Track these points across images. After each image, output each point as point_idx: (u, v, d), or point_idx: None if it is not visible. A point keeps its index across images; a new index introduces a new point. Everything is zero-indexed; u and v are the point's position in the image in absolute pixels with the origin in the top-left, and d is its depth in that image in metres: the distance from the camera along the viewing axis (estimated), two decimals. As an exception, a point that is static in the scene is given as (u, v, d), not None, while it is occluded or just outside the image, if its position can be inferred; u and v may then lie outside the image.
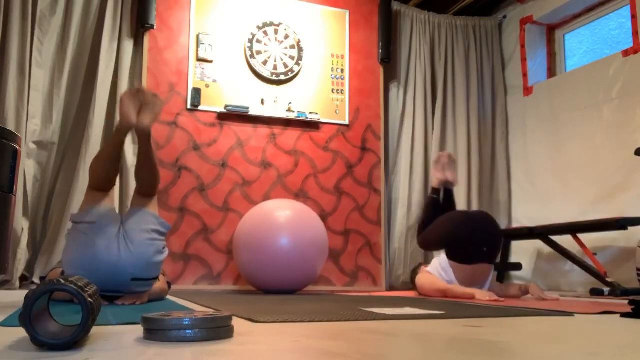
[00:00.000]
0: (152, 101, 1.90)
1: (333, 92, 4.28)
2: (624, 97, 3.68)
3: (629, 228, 3.14)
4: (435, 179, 3.30)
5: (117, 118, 3.69)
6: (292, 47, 4.19)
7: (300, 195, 4.08)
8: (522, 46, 4.62)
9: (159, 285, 2.18)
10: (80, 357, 0.85)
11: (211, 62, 3.96)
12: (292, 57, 4.18)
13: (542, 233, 3.63)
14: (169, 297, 2.52)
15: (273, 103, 4.09)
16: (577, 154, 4.00)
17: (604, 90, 3.83)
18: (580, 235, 3.43)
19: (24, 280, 3.38)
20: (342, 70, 4.34)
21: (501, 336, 1.18)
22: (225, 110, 3.93)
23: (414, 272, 3.30)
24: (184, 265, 3.75)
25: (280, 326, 1.33)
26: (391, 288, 4.23)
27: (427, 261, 4.07)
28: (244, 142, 4.01)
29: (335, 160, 4.23)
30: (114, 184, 2.07)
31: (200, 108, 3.90)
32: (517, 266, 4.12)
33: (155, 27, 3.83)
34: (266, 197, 3.98)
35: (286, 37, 4.19)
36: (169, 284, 2.41)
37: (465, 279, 2.89)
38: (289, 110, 4.10)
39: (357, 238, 4.21)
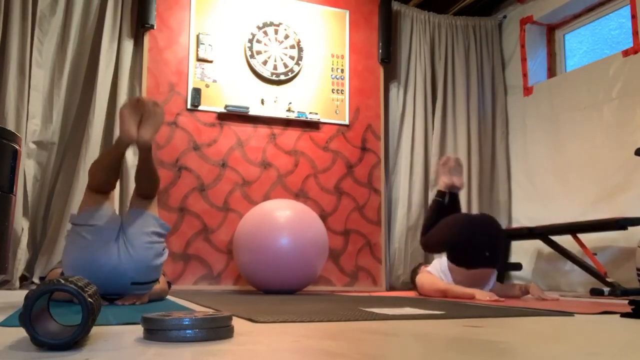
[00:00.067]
0: (153, 111, 1.84)
1: (333, 92, 4.28)
2: (624, 97, 3.68)
3: (629, 228, 3.14)
4: (441, 182, 3.26)
5: (117, 126, 3.70)
6: (292, 47, 4.20)
7: (300, 195, 4.09)
8: (522, 46, 4.62)
9: (159, 285, 2.18)
10: (80, 357, 0.85)
11: (211, 62, 3.97)
12: (292, 57, 4.18)
13: (542, 233, 3.63)
14: (169, 297, 2.52)
15: (273, 103, 4.09)
16: (577, 154, 4.00)
17: (604, 90, 3.83)
18: (580, 235, 3.43)
19: (24, 280, 3.38)
20: (342, 70, 4.34)
21: (501, 336, 1.18)
22: (225, 110, 3.93)
23: (414, 272, 3.30)
24: (184, 265, 3.75)
25: (280, 326, 1.33)
26: (391, 288, 4.23)
27: (427, 261, 4.07)
28: (244, 142, 4.01)
29: (335, 160, 4.23)
30: (114, 187, 2.05)
31: (200, 108, 3.90)
32: (517, 266, 4.12)
33: (155, 27, 3.83)
34: (266, 197, 3.98)
35: (286, 37, 4.19)
36: (169, 284, 2.41)
37: (465, 283, 2.87)
38: (289, 110, 4.10)
39: (357, 238, 4.21)
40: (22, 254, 3.32)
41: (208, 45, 3.96)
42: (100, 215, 1.93)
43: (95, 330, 1.18)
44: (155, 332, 1.04)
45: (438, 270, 3.01)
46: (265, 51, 4.11)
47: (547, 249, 3.89)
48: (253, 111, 4.00)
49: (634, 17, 3.70)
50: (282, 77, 4.13)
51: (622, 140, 3.64)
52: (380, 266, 4.23)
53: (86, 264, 1.87)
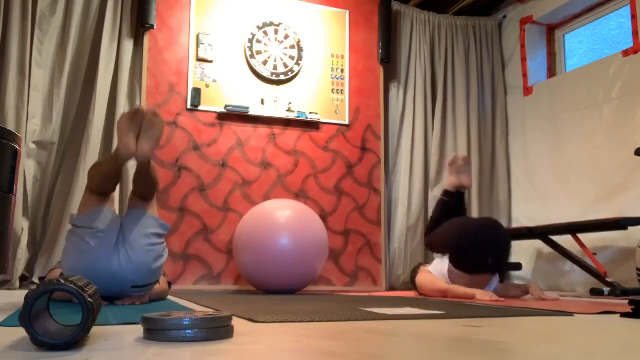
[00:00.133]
0: (152, 122, 1.77)
1: (333, 92, 4.28)
2: (624, 97, 3.68)
3: (629, 228, 3.13)
4: (448, 181, 3.23)
5: (118, 125, 3.70)
6: (292, 47, 4.20)
7: (300, 195, 4.09)
8: (522, 46, 4.62)
9: (160, 286, 2.18)
10: (80, 357, 0.85)
11: (211, 62, 3.97)
12: (292, 57, 4.18)
13: (542, 233, 3.63)
14: (169, 297, 2.52)
15: (273, 103, 4.09)
16: (577, 154, 4.00)
17: (604, 90, 3.83)
18: (580, 235, 3.42)
19: (24, 280, 3.38)
20: (342, 70, 4.34)
21: (501, 336, 1.18)
22: (225, 110, 3.93)
23: (414, 272, 3.29)
24: (184, 265, 3.75)
25: (280, 326, 1.33)
26: (391, 288, 4.23)
27: (427, 261, 4.06)
28: (244, 142, 4.01)
29: (335, 160, 4.23)
30: (115, 189, 2.03)
31: (200, 108, 3.90)
32: (517, 266, 4.12)
33: (155, 27, 3.83)
34: (266, 197, 3.98)
35: (286, 37, 4.19)
36: (170, 284, 2.40)
37: (465, 285, 2.86)
38: (289, 110, 4.10)
39: (357, 238, 4.21)
40: (22, 254, 3.32)
41: (208, 45, 3.96)
42: (101, 217, 1.91)
43: (95, 330, 1.18)
44: (155, 332, 1.04)
45: (438, 271, 3.00)
46: (265, 51, 4.11)
47: (547, 249, 3.89)
48: (253, 111, 4.00)
49: (634, 17, 3.70)
50: (282, 77, 4.13)
51: (622, 140, 3.64)
52: (380, 266, 4.24)
53: (86, 268, 1.85)
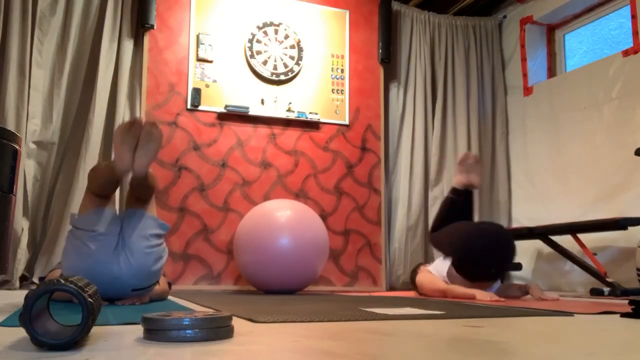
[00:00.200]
0: (150, 133, 1.71)
1: (333, 92, 4.28)
2: (624, 97, 3.68)
3: (629, 228, 3.13)
4: (457, 179, 3.16)
5: (117, 125, 3.70)
6: (292, 47, 4.20)
7: (300, 195, 4.09)
8: (522, 46, 4.62)
9: (160, 286, 2.18)
10: (80, 357, 0.85)
11: (211, 62, 3.97)
12: (292, 57, 4.18)
13: (542, 233, 3.63)
14: (169, 297, 2.52)
15: (273, 103, 4.09)
16: (577, 154, 4.00)
17: (604, 90, 3.83)
18: (580, 235, 3.42)
19: (24, 280, 3.38)
20: (342, 70, 4.34)
21: (501, 336, 1.18)
22: (225, 110, 3.93)
23: (414, 272, 3.29)
24: (184, 265, 3.75)
25: (280, 326, 1.33)
26: (391, 288, 4.23)
27: (427, 261, 4.06)
28: (244, 142, 4.01)
29: (335, 160, 4.23)
30: (115, 192, 2.02)
31: (200, 108, 3.90)
32: (517, 266, 4.12)
33: (155, 27, 3.83)
34: (266, 197, 3.98)
35: (286, 37, 4.19)
36: (170, 285, 2.40)
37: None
38: (289, 110, 4.10)
39: (357, 238, 4.21)
40: (22, 254, 3.32)
41: (208, 45, 3.96)
42: (101, 219, 1.90)
43: (95, 330, 1.18)
44: (155, 332, 1.04)
45: (439, 272, 2.99)
46: (265, 51, 4.11)
47: (547, 249, 3.89)
48: (253, 111, 4.00)
49: (634, 17, 3.70)
50: (282, 77, 4.13)
51: (622, 140, 3.64)
52: (380, 266, 4.24)
53: (86, 272, 1.83)
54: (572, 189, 4.00)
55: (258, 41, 4.11)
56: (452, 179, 4.44)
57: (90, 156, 3.50)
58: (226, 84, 3.99)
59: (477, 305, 2.25)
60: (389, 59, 4.44)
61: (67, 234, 1.96)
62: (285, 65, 4.15)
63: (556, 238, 3.63)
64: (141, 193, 1.98)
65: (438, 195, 4.42)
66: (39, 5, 3.56)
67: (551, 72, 4.59)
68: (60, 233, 3.39)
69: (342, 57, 4.36)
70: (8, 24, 3.43)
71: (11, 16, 3.44)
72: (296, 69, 4.17)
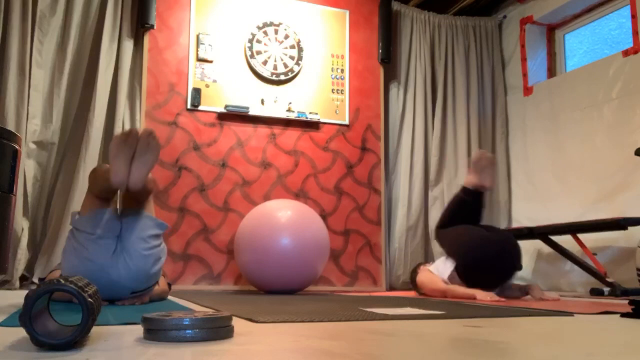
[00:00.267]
0: (148, 144, 1.67)
1: (333, 92, 4.28)
2: (624, 97, 3.68)
3: (629, 228, 3.13)
4: (468, 179, 3.06)
5: (117, 126, 3.70)
6: (292, 47, 4.20)
7: (300, 195, 4.09)
8: (522, 46, 4.62)
9: (160, 286, 2.18)
10: (80, 357, 0.85)
11: (211, 62, 3.97)
12: (292, 57, 4.18)
13: (542, 233, 3.63)
14: (169, 297, 2.52)
15: (273, 103, 4.09)
16: (577, 154, 4.00)
17: (604, 90, 3.83)
18: (580, 235, 3.42)
19: (24, 280, 3.38)
20: (342, 70, 4.34)
21: (501, 336, 1.18)
22: (225, 110, 3.93)
23: (414, 272, 3.29)
24: (184, 265, 3.75)
25: (280, 326, 1.33)
26: (391, 288, 4.23)
27: (427, 261, 4.06)
28: (244, 142, 4.01)
29: (335, 160, 4.23)
30: (115, 194, 2.01)
31: (200, 108, 3.90)
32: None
33: (155, 27, 3.83)
34: (266, 197, 3.98)
35: (286, 37, 4.19)
36: (169, 285, 2.40)
37: None
38: (289, 110, 4.10)
39: (357, 238, 4.21)
40: (22, 254, 3.32)
41: (208, 45, 3.96)
42: (101, 222, 1.89)
43: (95, 330, 1.18)
44: (155, 332, 1.04)
45: (440, 272, 2.99)
46: (265, 51, 4.11)
47: (547, 249, 3.89)
48: (253, 111, 4.00)
49: (634, 17, 3.70)
50: (282, 77, 4.13)
51: (622, 140, 3.64)
52: (380, 266, 4.23)
53: (85, 275, 1.81)
54: (572, 189, 4.00)
55: (258, 41, 4.11)
56: (452, 179, 4.47)
57: (90, 156, 3.50)
58: (226, 84, 3.99)
59: (477, 305, 2.25)
60: (389, 59, 4.44)
61: (68, 234, 1.96)
62: (285, 65, 4.15)
63: (556, 238, 3.63)
64: (138, 196, 1.97)
65: (438, 195, 4.42)
66: (39, 5, 3.56)
67: (551, 72, 4.59)
68: (60, 233, 3.39)
69: (342, 57, 4.36)
70: (8, 24, 3.43)
71: (11, 16, 3.44)
72: (296, 69, 4.17)
